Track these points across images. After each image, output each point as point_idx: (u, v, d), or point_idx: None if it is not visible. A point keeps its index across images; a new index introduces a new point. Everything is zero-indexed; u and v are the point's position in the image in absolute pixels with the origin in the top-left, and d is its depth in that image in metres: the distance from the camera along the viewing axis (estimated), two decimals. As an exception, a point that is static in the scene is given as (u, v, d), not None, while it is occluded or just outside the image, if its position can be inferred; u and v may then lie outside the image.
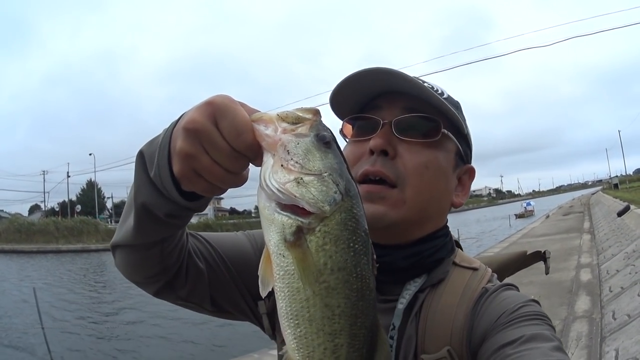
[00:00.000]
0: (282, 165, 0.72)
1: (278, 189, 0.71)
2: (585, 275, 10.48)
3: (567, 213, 38.21)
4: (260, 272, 0.75)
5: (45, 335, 9.22)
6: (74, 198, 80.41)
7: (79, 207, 71.96)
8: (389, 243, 1.08)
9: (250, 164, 0.77)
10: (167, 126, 0.85)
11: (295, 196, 0.71)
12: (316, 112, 0.77)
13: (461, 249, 1.22)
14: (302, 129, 0.75)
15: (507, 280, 1.21)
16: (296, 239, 0.71)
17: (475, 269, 1.12)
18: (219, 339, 11.77)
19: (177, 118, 0.82)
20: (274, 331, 1.16)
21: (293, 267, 0.71)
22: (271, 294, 0.75)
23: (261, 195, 0.74)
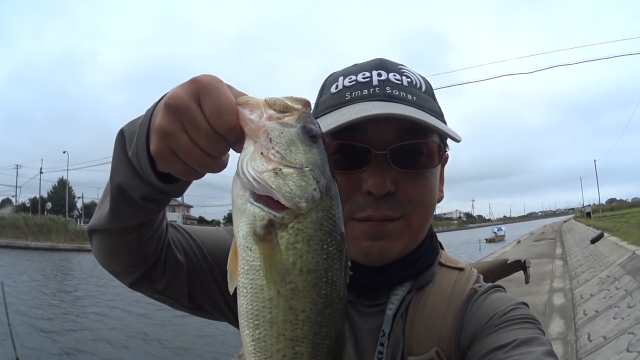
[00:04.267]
0: (262, 153, 0.68)
1: (254, 178, 0.67)
2: (559, 299, 10.60)
3: (539, 239, 38.85)
4: (228, 266, 0.70)
5: (12, 332, 8.99)
6: (45, 195, 79.13)
7: (49, 205, 70.66)
8: (383, 264, 1.04)
9: (231, 150, 0.73)
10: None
11: (271, 187, 0.67)
12: (306, 104, 0.73)
13: (442, 247, 1.20)
14: (289, 118, 0.71)
15: None
16: (266, 233, 0.66)
17: (461, 269, 1.12)
18: (193, 340, 11.62)
19: (161, 96, 0.78)
20: None
21: (259, 263, 0.66)
22: None
23: (236, 183, 0.70)
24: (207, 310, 1.15)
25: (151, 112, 0.77)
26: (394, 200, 0.98)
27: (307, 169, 0.69)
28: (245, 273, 0.67)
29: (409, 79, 1.05)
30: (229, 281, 0.69)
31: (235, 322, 1.12)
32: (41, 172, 75.59)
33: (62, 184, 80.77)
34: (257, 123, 0.68)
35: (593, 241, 18.37)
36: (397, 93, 1.01)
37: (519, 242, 38.09)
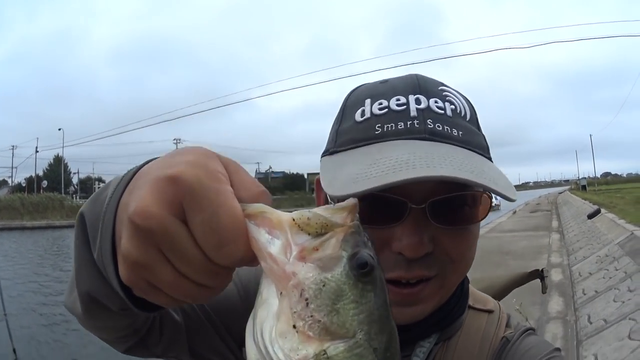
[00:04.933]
0: (294, 327, 0.47)
1: None
2: (557, 276, 10.67)
3: (535, 210, 39.36)
4: None
5: (8, 323, 8.70)
6: (40, 173, 79.29)
7: (45, 183, 70.82)
8: (410, 322, 0.90)
9: None
10: (120, 176, 0.59)
11: None
12: (353, 208, 0.52)
13: (467, 279, 1.06)
14: (330, 245, 0.49)
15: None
16: None
17: (490, 312, 1.01)
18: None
19: (130, 173, 0.56)
20: None
21: None
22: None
23: (253, 348, 0.50)
24: (210, 358, 1.02)
25: (115, 207, 0.55)
26: (431, 259, 0.82)
27: (361, 335, 0.49)
28: None
29: (452, 106, 0.87)
30: None
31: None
32: (37, 151, 75.62)
33: (58, 161, 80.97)
34: (284, 266, 0.48)
35: (590, 216, 18.54)
36: (441, 128, 0.83)
37: (514, 212, 38.36)
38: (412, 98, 0.85)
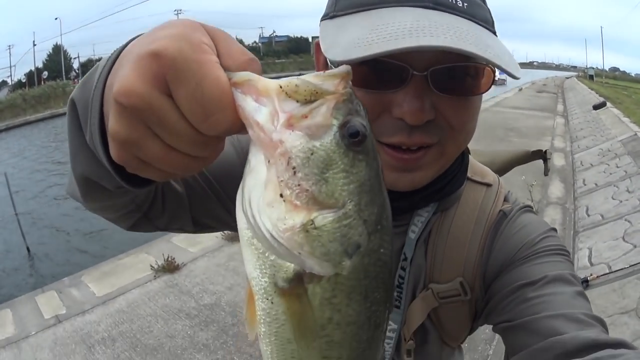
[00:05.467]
0: (281, 196, 0.47)
1: (272, 234, 0.47)
2: (559, 161, 10.82)
3: (541, 91, 38.29)
4: (244, 315, 0.56)
5: (20, 222, 8.82)
6: (40, 66, 77.12)
7: (45, 74, 68.92)
8: (408, 190, 0.89)
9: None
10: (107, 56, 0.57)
11: (299, 252, 0.48)
12: (345, 76, 0.49)
13: (468, 151, 1.06)
14: (321, 112, 0.47)
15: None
16: (292, 287, 0.50)
17: (488, 185, 1.01)
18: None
19: (115, 53, 0.54)
20: None
21: (284, 317, 0.51)
22: None
23: (242, 221, 0.50)
24: (212, 226, 1.04)
25: (102, 86, 0.54)
26: (431, 126, 0.81)
27: (351, 206, 0.48)
28: (266, 324, 0.53)
29: None
30: (247, 329, 0.55)
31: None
32: (34, 44, 72.89)
33: (57, 50, 77.97)
34: (270, 134, 0.46)
35: (595, 107, 18.27)
36: None
37: (520, 89, 37.59)
38: None
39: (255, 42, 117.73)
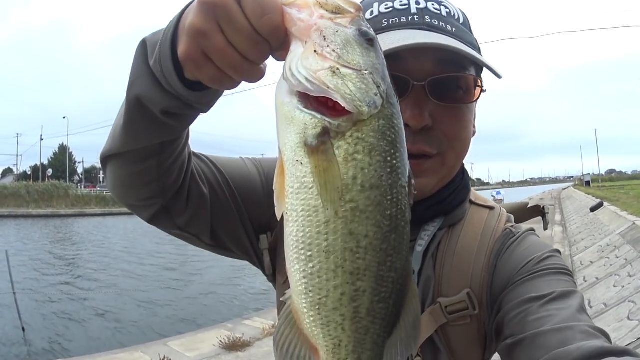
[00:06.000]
0: (315, 51, 0.60)
1: (307, 77, 0.59)
2: (558, 266, 10.69)
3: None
4: (275, 186, 0.62)
5: (17, 300, 9.01)
6: (45, 162, 79.15)
7: (50, 171, 70.71)
8: (416, 200, 0.92)
9: (271, 57, 0.65)
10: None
11: (328, 87, 0.58)
12: (360, 8, 0.65)
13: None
14: (343, 20, 0.63)
15: None
16: (320, 143, 0.58)
17: (491, 208, 1.09)
18: (194, 307, 11.81)
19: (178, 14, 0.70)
20: (275, 271, 1.08)
21: (312, 179, 0.58)
22: (277, 225, 0.63)
23: (281, 89, 0.62)
24: (229, 248, 1.08)
25: (179, 15, 0.69)
26: (430, 135, 0.94)
27: (366, 72, 0.61)
28: (294, 193, 0.59)
29: (447, 10, 1.00)
30: (276, 204, 0.61)
31: (257, 262, 1.11)
32: (41, 139, 75.48)
33: (63, 150, 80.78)
34: (308, 21, 0.61)
35: (593, 209, 18.33)
36: (437, 23, 0.96)
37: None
38: (412, 0, 0.98)
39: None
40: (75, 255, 21.57)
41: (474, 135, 1.06)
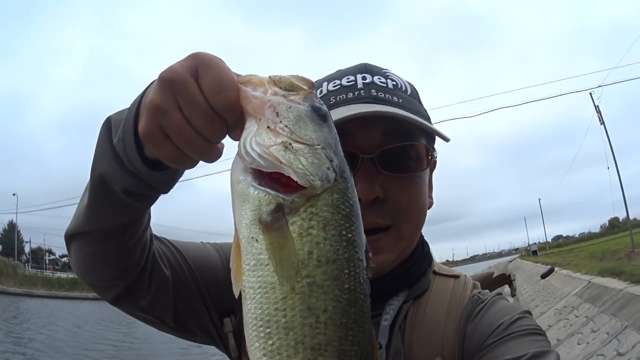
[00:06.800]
0: (268, 127, 0.61)
1: (260, 153, 0.60)
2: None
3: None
4: (231, 263, 0.62)
5: None
6: (-6, 238, 75.04)
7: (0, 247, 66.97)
8: (375, 276, 0.92)
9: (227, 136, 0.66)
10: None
11: (280, 162, 0.59)
12: (312, 85, 0.68)
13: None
14: (296, 97, 0.65)
15: None
16: (274, 220, 0.58)
17: (456, 277, 1.09)
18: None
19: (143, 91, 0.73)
20: (241, 353, 1.04)
21: (267, 256, 0.57)
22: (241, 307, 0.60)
23: (236, 166, 0.63)
24: (193, 331, 1.07)
25: (143, 92, 0.71)
26: (382, 207, 0.94)
27: (319, 147, 0.62)
28: (251, 270, 0.58)
29: (394, 82, 1.03)
30: (233, 282, 0.61)
31: (222, 346, 1.08)
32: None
33: (12, 227, 76.99)
34: (261, 99, 0.63)
35: (544, 276, 18.79)
36: (383, 95, 0.99)
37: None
38: (359, 76, 1.02)
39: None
40: (22, 335, 20.21)
41: (430, 206, 1.06)
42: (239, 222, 0.60)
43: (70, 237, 0.90)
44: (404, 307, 1.00)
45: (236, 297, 0.61)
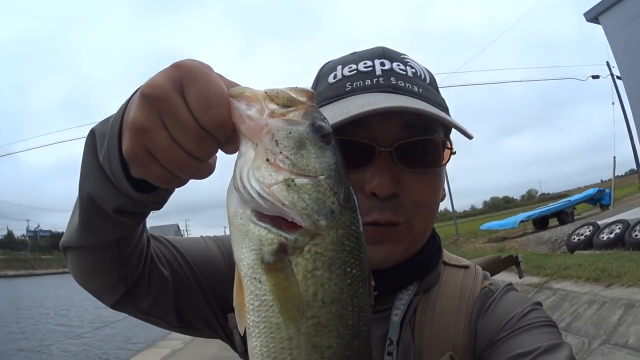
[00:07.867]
0: (267, 160, 0.56)
1: (260, 193, 0.56)
2: None
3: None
4: (235, 302, 0.60)
5: None
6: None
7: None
8: (386, 267, 0.95)
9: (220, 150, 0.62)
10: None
11: (283, 204, 0.56)
12: (312, 96, 0.62)
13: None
14: (295, 114, 0.60)
15: None
16: (277, 261, 0.56)
17: (466, 267, 1.06)
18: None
19: (128, 99, 0.67)
20: (247, 348, 0.97)
21: (271, 297, 0.56)
22: None
23: (233, 198, 0.59)
24: (198, 328, 1.05)
25: (124, 106, 0.66)
26: (399, 203, 0.90)
27: (322, 177, 0.58)
28: (255, 310, 0.57)
29: (413, 70, 0.97)
30: (237, 320, 0.60)
31: (227, 340, 1.07)
32: None
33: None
34: (258, 121, 0.57)
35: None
36: (403, 84, 0.93)
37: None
38: (377, 62, 0.95)
39: (23, 235, 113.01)
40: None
41: (443, 199, 1.03)
42: (240, 259, 0.58)
43: (65, 249, 0.87)
44: (414, 300, 0.98)
45: (241, 335, 0.60)
